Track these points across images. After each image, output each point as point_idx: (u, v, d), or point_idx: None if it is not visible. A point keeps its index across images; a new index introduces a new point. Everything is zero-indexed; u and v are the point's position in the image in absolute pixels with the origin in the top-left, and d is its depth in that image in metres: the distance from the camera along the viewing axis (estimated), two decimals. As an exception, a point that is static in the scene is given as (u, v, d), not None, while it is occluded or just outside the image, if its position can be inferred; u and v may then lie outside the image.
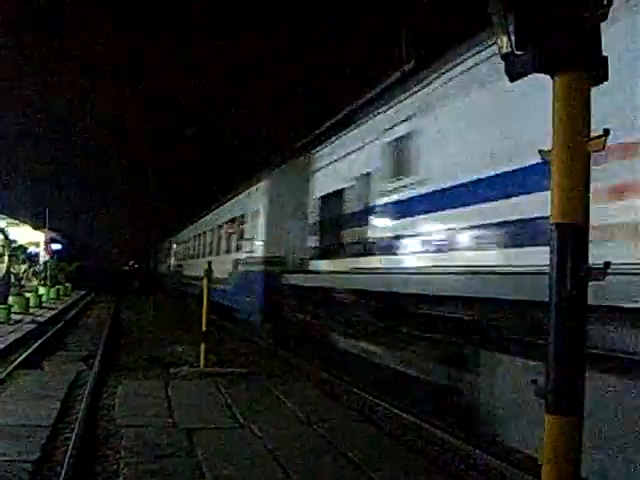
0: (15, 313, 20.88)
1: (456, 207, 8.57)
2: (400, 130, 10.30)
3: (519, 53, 3.17)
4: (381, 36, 11.60)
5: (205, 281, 12.66)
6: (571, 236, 2.93)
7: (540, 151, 3.21)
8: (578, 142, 2.97)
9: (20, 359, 12.54)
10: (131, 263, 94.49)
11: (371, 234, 11.32)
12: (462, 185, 8.45)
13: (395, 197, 10.43)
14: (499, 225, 7.59)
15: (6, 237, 24.47)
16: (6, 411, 8.27)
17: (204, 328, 12.51)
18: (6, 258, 24.09)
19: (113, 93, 15.57)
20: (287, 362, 14.02)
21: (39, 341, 15.45)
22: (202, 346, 12.27)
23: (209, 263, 13.28)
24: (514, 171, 7.24)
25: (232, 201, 23.61)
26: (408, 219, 9.88)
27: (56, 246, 40.13)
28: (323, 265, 14.12)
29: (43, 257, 33.29)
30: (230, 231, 22.92)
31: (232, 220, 22.76)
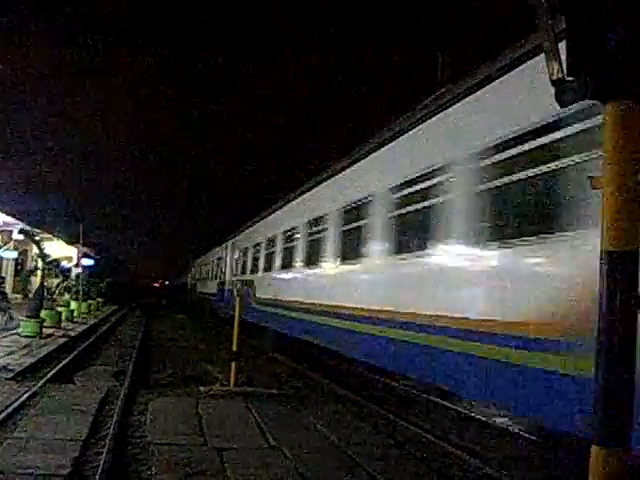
0: (47, 327, 21.00)
1: None
2: None
3: (570, 79, 3.14)
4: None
5: (238, 300, 12.69)
6: (621, 264, 2.89)
7: (590, 177, 3.17)
8: (630, 170, 2.94)
9: (52, 373, 12.63)
10: (160, 281, 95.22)
11: None
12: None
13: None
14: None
15: (41, 251, 24.68)
16: (38, 425, 8.33)
17: (235, 348, 12.52)
18: (39, 272, 24.26)
19: (148, 110, 15.81)
20: (319, 384, 13.93)
21: (70, 355, 15.57)
22: (233, 365, 12.27)
23: (248, 281, 13.29)
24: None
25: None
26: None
27: (88, 262, 40.43)
28: None
29: (75, 272, 33.57)
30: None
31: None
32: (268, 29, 11.35)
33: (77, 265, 33.72)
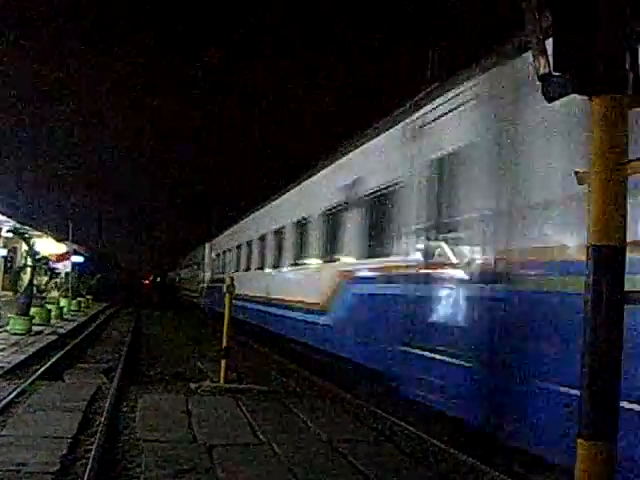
0: (36, 324, 20.96)
1: None
2: None
3: (557, 74, 3.15)
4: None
5: (227, 297, 12.67)
6: (607, 258, 2.90)
7: (576, 173, 3.18)
8: (616, 165, 2.94)
9: (41, 370, 12.58)
10: (150, 278, 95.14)
11: None
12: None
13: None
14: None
15: (30, 248, 24.60)
16: (27, 422, 8.29)
17: (225, 344, 12.52)
18: (29, 269, 24.20)
19: (142, 109, 15.81)
20: (309, 380, 13.94)
21: (60, 353, 15.52)
22: (223, 362, 12.26)
23: (231, 278, 13.31)
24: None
25: None
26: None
27: (78, 259, 40.31)
28: None
29: (61, 269, 33.45)
30: None
31: None
32: (268, 29, 11.37)
33: (64, 257, 33.58)
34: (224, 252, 31.16)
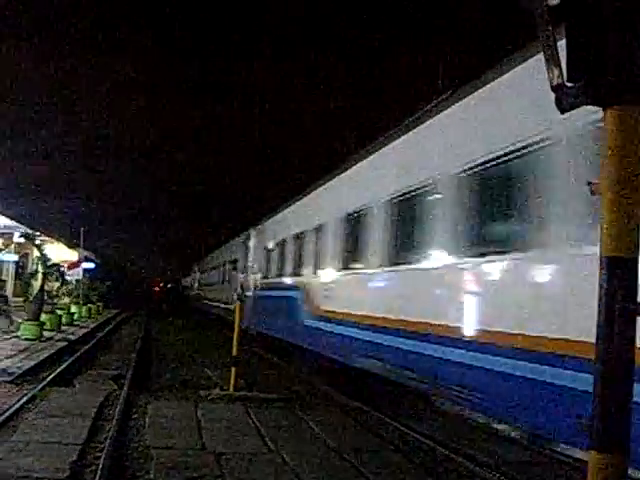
0: (47, 330, 21.03)
1: None
2: None
3: (570, 85, 3.14)
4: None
5: (237, 306, 12.69)
6: (620, 270, 2.88)
7: (589, 183, 3.17)
8: (629, 175, 2.93)
9: (51, 376, 12.61)
10: (161, 285, 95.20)
11: None
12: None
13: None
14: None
15: (42, 254, 24.71)
16: (37, 428, 8.31)
17: (234, 353, 12.53)
18: (40, 275, 24.30)
19: (149, 114, 15.93)
20: (318, 389, 13.92)
21: (70, 359, 15.56)
22: (232, 370, 12.26)
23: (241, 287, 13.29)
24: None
25: None
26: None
27: (89, 265, 40.46)
28: None
29: (71, 275, 33.56)
30: None
31: None
32: (268, 29, 11.46)
33: (75, 265, 33.80)
34: (297, 237, 17.82)
